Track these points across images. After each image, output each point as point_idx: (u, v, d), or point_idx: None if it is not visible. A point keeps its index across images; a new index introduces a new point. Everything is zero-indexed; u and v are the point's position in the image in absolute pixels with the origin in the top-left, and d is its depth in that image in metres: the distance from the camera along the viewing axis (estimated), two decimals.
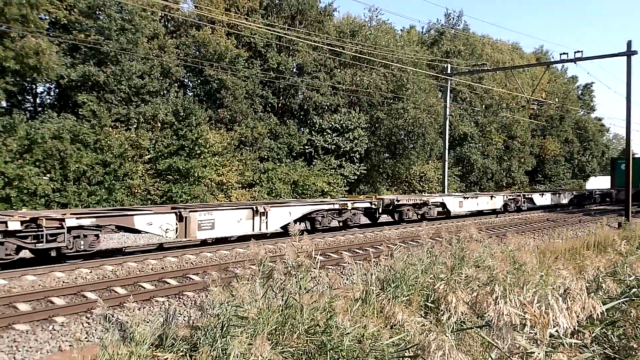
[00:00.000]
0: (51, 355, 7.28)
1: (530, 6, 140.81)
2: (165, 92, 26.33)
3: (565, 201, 36.51)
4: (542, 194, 34.03)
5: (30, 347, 7.36)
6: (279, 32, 27.13)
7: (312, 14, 32.53)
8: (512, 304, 3.82)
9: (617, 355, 4.72)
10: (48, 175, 20.64)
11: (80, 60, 23.45)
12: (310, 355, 6.19)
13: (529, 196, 32.22)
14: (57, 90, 25.76)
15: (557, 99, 52.07)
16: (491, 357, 4.05)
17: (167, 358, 6.24)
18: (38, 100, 25.99)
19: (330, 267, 12.74)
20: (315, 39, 29.50)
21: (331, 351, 5.98)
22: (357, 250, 15.11)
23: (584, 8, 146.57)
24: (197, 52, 28.87)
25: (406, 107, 35.57)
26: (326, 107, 33.20)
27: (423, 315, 7.46)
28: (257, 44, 29.75)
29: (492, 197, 28.47)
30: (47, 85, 25.40)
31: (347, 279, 12.10)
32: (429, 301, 7.92)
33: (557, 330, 3.81)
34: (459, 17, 47.82)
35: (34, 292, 9.73)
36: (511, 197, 30.30)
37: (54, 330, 7.92)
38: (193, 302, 9.72)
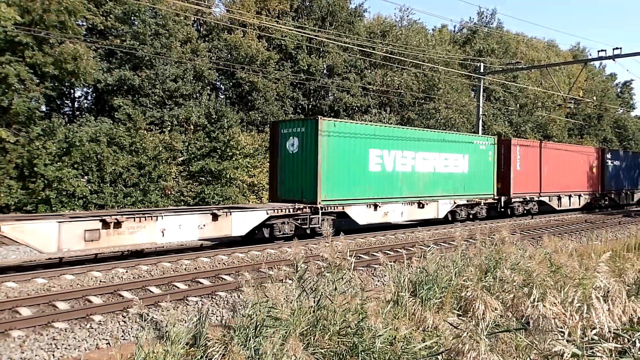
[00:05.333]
0: (89, 353, 7.45)
1: (567, 2, 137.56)
2: (197, 95, 26.71)
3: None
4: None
5: (69, 345, 7.55)
6: (309, 34, 27.20)
7: (342, 15, 32.51)
8: (551, 306, 3.72)
9: None
10: (86, 177, 21.20)
11: (116, 65, 24.02)
12: (341, 356, 6.17)
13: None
14: (94, 94, 26.44)
15: (594, 97, 50.63)
16: (529, 358, 3.95)
17: (201, 357, 6.30)
18: (76, 105, 26.74)
19: (361, 268, 12.68)
20: (345, 40, 29.46)
21: (363, 353, 5.94)
22: (388, 252, 15.00)
23: (623, 3, 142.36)
24: (229, 55, 29.20)
25: (438, 107, 35.17)
26: (357, 108, 33.11)
27: (456, 318, 7.34)
28: (288, 46, 29.89)
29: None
30: (85, 89, 26.10)
31: (378, 280, 12.03)
32: (461, 304, 7.79)
33: (596, 334, 3.70)
34: (492, 15, 47.11)
35: (72, 291, 9.98)
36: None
37: (92, 328, 8.10)
38: (225, 302, 9.81)
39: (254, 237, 16.09)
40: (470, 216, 23.42)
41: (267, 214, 15.60)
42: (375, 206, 18.50)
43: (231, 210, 14.85)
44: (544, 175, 27.29)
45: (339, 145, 17.39)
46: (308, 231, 17.09)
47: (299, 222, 16.63)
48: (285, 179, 17.89)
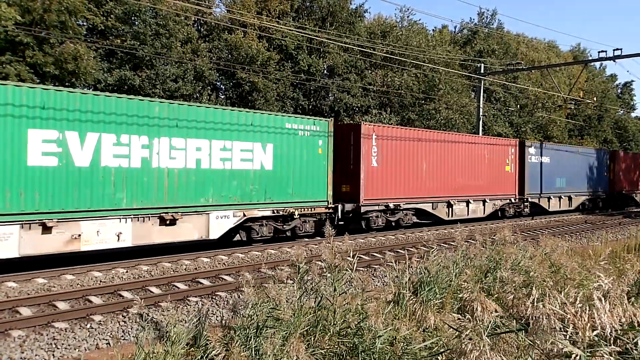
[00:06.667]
0: (89, 353, 7.45)
1: (567, 3, 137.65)
2: (198, 95, 26.72)
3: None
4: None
5: (69, 345, 7.55)
6: (309, 35, 27.21)
7: (342, 16, 32.52)
8: (551, 306, 3.72)
9: None
10: None
11: (116, 65, 24.03)
12: (341, 357, 6.17)
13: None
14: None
15: (595, 98, 50.63)
16: (531, 358, 3.94)
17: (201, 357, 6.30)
18: None
19: (361, 268, 12.69)
20: (346, 41, 29.47)
21: (363, 353, 5.95)
22: (389, 253, 15.01)
23: (623, 3, 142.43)
24: (229, 56, 29.20)
25: (438, 107, 35.18)
26: (357, 109, 33.11)
27: (456, 318, 7.35)
28: (288, 47, 29.90)
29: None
30: (85, 89, 26.09)
31: (378, 281, 12.03)
32: (462, 305, 7.80)
33: (597, 335, 3.70)
34: (493, 15, 47.03)
35: (72, 291, 9.98)
36: None
37: (92, 328, 8.10)
38: (226, 302, 9.81)
39: None
40: (288, 233, 16.71)
41: None
42: (45, 227, 11.32)
43: None
44: (423, 174, 20.57)
45: None
46: None
47: None
48: None
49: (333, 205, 17.48)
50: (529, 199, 26.62)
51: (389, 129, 19.98)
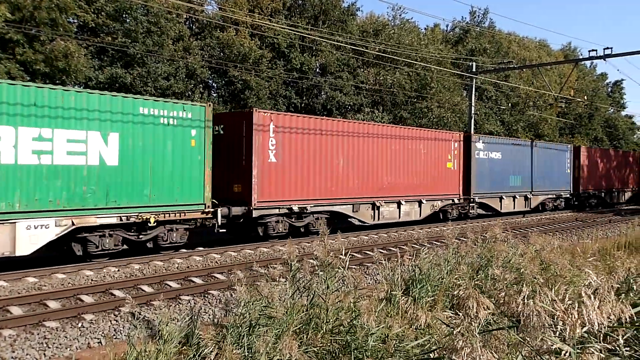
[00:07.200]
0: (80, 352, 7.42)
1: (558, 2, 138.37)
2: (190, 93, 26.62)
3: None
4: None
5: (60, 344, 7.52)
6: (302, 33, 27.16)
7: (335, 14, 32.51)
8: (542, 303, 3.76)
9: None
10: None
11: (107, 62, 23.88)
12: (334, 354, 6.18)
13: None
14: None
15: (585, 97, 50.98)
16: (521, 355, 3.98)
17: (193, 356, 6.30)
18: None
19: (354, 266, 12.72)
20: (338, 39, 29.46)
21: (355, 351, 5.96)
22: (381, 251, 15.06)
23: (613, 3, 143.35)
24: (222, 54, 29.10)
25: (430, 106, 35.26)
26: (349, 107, 33.12)
27: (449, 316, 7.38)
28: (281, 45, 29.85)
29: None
30: (76, 87, 25.93)
31: (370, 279, 12.06)
32: (454, 302, 7.84)
33: (586, 331, 3.73)
34: (485, 14, 47.17)
35: (63, 290, 9.94)
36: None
37: (83, 327, 8.07)
38: (218, 300, 9.80)
39: None
40: (149, 244, 13.88)
41: None
42: None
43: None
44: (340, 171, 17.89)
45: None
46: None
47: None
48: None
49: (212, 209, 14.50)
50: (476, 199, 24.21)
51: (293, 118, 16.92)
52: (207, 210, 14.37)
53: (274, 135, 15.87)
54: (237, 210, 15.11)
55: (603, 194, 35.59)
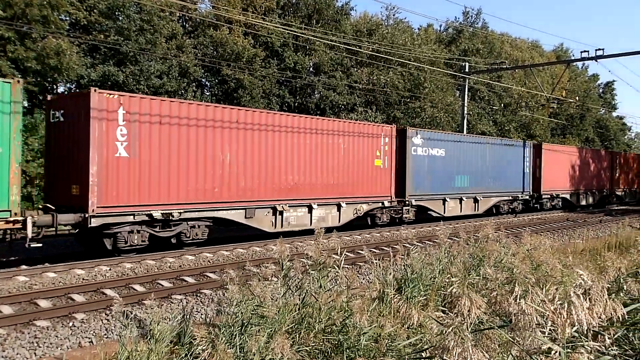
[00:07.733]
0: (71, 351, 7.38)
1: (551, 3, 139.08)
2: (183, 91, 26.54)
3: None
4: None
5: (50, 343, 7.47)
6: (295, 32, 27.16)
7: (329, 13, 32.53)
8: (533, 303, 3.78)
9: (638, 358, 4.64)
10: None
11: (100, 60, 23.76)
12: (326, 354, 6.19)
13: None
14: (77, 90, 26.11)
15: (577, 98, 51.30)
16: (512, 355, 4.00)
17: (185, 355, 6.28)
18: None
19: (346, 266, 12.73)
20: (332, 38, 29.47)
21: (348, 350, 5.97)
22: (374, 250, 15.08)
23: (605, 4, 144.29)
24: (215, 52, 29.04)
25: (423, 106, 35.37)
26: (343, 107, 33.16)
27: (441, 315, 7.41)
28: (274, 44, 29.82)
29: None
30: (68, 85, 25.77)
31: (363, 278, 12.08)
32: (446, 302, 7.87)
33: (577, 331, 3.76)
34: (478, 15, 47.35)
35: (54, 289, 9.88)
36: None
37: (74, 326, 8.03)
38: (210, 299, 9.78)
39: None
40: None
41: None
42: None
43: None
44: (225, 169, 14.82)
45: None
46: None
47: None
48: None
49: (19, 219, 11.10)
50: (413, 202, 21.17)
51: (155, 103, 13.36)
52: (13, 219, 11.03)
53: (124, 124, 12.58)
54: (66, 219, 11.94)
55: (569, 195, 32.25)
